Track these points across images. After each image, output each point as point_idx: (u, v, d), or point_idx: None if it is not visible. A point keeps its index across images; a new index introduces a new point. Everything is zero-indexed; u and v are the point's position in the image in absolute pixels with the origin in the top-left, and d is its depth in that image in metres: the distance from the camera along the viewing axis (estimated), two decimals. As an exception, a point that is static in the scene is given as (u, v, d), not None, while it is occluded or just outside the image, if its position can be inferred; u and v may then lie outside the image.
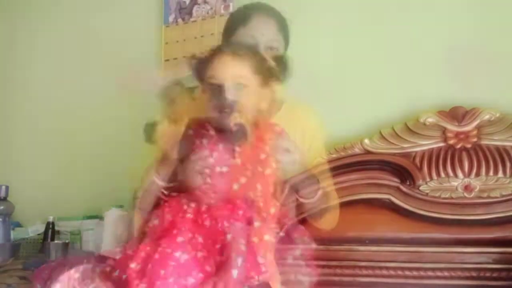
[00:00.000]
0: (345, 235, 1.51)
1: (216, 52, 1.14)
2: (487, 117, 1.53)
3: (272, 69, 1.15)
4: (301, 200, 1.25)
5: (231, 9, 1.91)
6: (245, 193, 1.08)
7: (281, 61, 1.17)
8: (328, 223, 1.36)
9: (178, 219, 1.06)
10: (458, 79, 1.60)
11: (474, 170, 1.51)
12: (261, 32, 1.34)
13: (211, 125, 1.11)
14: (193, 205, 1.09)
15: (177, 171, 1.15)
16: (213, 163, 1.08)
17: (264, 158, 1.10)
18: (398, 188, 1.57)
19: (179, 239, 1.00)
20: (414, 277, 1.49)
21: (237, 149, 1.09)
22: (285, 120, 1.30)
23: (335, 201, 1.36)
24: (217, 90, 1.09)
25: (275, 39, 1.36)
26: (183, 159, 1.13)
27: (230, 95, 1.08)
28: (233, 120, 1.07)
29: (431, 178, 1.54)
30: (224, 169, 1.08)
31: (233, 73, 1.10)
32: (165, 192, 1.16)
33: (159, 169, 1.17)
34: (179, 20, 2.01)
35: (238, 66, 1.11)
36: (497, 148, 1.51)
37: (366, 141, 1.62)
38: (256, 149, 1.11)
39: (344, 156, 1.62)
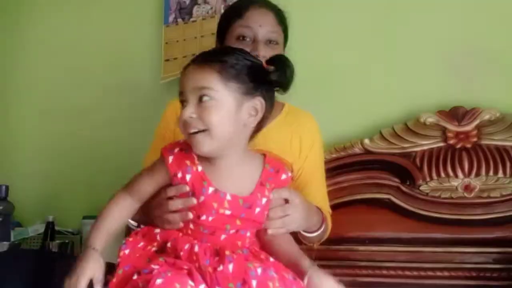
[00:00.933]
0: (345, 235, 1.51)
1: (185, 66, 1.00)
2: (487, 117, 1.53)
3: (270, 73, 0.99)
4: (303, 233, 1.22)
5: (231, 9, 1.91)
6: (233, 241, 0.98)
7: (278, 63, 1.01)
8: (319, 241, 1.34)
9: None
10: (458, 79, 1.61)
11: (474, 170, 1.51)
12: (258, 23, 1.24)
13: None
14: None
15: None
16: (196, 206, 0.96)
17: (264, 203, 1.00)
18: (398, 188, 1.57)
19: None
20: (414, 277, 1.50)
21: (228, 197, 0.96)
22: (284, 125, 1.30)
23: (330, 224, 1.32)
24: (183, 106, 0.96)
25: (274, 30, 1.27)
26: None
27: (189, 111, 0.93)
28: (204, 147, 0.94)
29: (431, 178, 1.54)
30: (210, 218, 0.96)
31: (194, 84, 0.94)
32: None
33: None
34: (179, 20, 2.00)
35: (199, 75, 0.94)
36: (497, 148, 1.52)
37: (366, 141, 1.62)
38: (257, 191, 0.99)
39: (344, 156, 1.62)
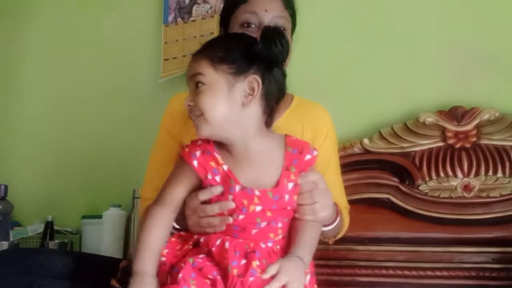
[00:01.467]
0: (345, 234, 1.50)
1: None
2: (486, 116, 1.53)
3: (252, 49, 0.95)
4: None
5: (230, 8, 1.90)
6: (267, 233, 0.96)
7: (266, 36, 0.95)
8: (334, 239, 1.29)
9: None
10: (458, 78, 1.61)
11: (474, 170, 1.51)
12: (264, 8, 1.16)
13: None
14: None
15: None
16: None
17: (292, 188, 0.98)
18: (397, 188, 1.57)
19: None
20: (414, 277, 1.49)
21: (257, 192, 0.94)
22: (294, 117, 1.23)
23: (347, 220, 1.26)
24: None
25: (282, 15, 1.18)
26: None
27: (187, 100, 0.98)
28: (202, 131, 0.96)
29: (431, 178, 1.54)
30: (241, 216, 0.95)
31: (190, 73, 0.98)
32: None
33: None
34: (179, 19, 2.00)
35: (193, 64, 0.98)
36: (497, 148, 1.52)
37: (366, 140, 1.62)
38: (284, 177, 0.97)
39: (344, 156, 1.62)
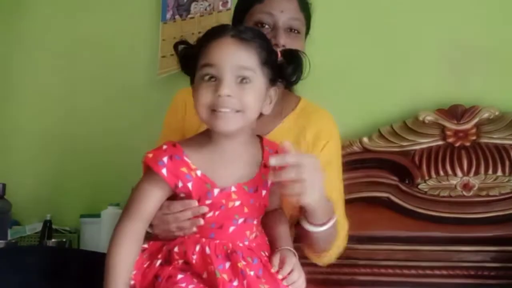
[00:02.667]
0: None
1: (213, 34, 0.92)
2: (486, 115, 1.53)
3: (282, 66, 0.97)
4: (307, 227, 1.03)
5: (229, 6, 1.90)
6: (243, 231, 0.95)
7: (294, 58, 0.98)
8: (327, 259, 1.20)
9: None
10: (457, 77, 1.60)
11: (473, 169, 1.51)
12: (280, 9, 1.14)
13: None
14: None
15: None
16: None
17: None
18: (397, 187, 1.57)
19: None
20: (413, 276, 1.49)
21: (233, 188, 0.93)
22: (298, 120, 1.23)
23: (342, 234, 1.17)
24: (212, 83, 0.89)
25: (297, 17, 1.17)
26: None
27: (227, 90, 0.88)
28: (231, 125, 0.90)
29: (430, 177, 1.54)
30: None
31: (236, 62, 0.89)
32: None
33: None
34: (177, 17, 1.99)
35: (244, 54, 0.90)
36: (496, 147, 1.51)
37: (365, 139, 1.61)
38: (261, 173, 0.96)
39: (343, 155, 1.60)
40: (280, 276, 0.92)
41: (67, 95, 2.14)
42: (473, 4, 1.62)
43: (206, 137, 0.97)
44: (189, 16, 1.98)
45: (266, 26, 1.15)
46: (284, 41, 1.14)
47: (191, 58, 0.95)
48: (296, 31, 1.17)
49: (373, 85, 1.68)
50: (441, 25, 1.64)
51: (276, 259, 0.94)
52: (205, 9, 1.95)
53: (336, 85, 1.71)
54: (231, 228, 0.94)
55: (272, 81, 0.96)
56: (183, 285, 0.88)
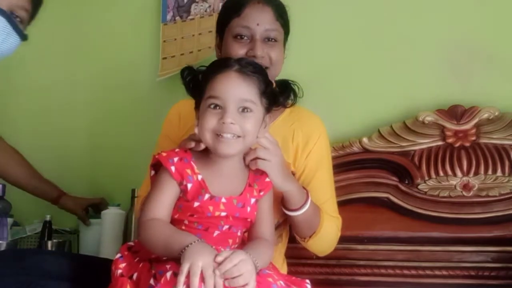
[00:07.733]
0: (344, 233, 1.49)
1: (220, 67, 1.05)
2: (486, 115, 1.53)
3: (277, 96, 1.09)
4: (287, 212, 1.19)
5: (229, 7, 1.90)
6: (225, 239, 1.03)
7: (286, 89, 1.12)
8: (318, 246, 1.29)
9: None
10: (457, 77, 1.60)
11: (473, 169, 1.51)
12: (256, 22, 1.23)
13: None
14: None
15: None
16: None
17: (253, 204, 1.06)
18: (396, 187, 1.57)
19: None
20: (413, 276, 1.49)
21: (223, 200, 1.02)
22: (288, 123, 1.29)
23: (329, 222, 1.26)
24: (217, 111, 1.01)
25: (273, 28, 1.25)
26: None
27: (231, 119, 1.00)
28: (232, 149, 1.02)
29: (430, 177, 1.54)
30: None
31: (240, 95, 1.01)
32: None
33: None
34: (177, 18, 2.00)
35: (246, 88, 1.02)
36: (496, 147, 1.51)
37: (365, 139, 1.61)
38: (247, 192, 1.06)
39: (343, 155, 1.62)
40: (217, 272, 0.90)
41: (67, 94, 2.14)
42: (473, 4, 1.62)
43: (211, 153, 1.07)
44: (189, 17, 1.98)
45: (245, 38, 1.25)
46: (261, 52, 1.23)
47: (197, 87, 1.07)
48: (273, 40, 1.26)
49: (373, 85, 1.68)
50: (441, 25, 1.65)
51: (222, 255, 0.91)
52: (205, 11, 1.95)
53: (336, 85, 1.71)
54: (216, 233, 1.02)
55: (268, 109, 1.08)
56: (168, 266, 0.93)
